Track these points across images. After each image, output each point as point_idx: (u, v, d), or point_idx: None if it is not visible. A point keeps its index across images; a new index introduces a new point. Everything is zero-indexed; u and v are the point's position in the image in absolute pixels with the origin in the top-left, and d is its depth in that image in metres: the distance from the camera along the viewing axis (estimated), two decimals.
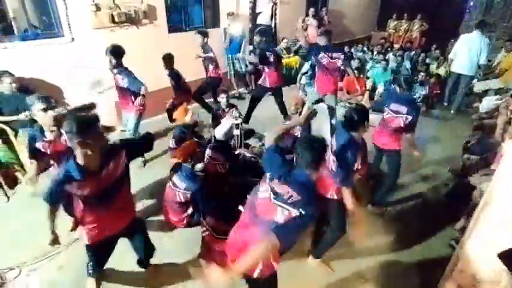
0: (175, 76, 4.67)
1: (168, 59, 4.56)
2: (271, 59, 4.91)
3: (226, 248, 1.96)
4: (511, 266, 1.28)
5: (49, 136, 2.52)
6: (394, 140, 3.27)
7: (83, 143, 1.68)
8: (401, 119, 3.11)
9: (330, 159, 2.39)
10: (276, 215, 1.71)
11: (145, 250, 2.49)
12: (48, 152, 2.52)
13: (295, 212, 1.66)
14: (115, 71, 3.80)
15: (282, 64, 6.38)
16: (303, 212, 1.64)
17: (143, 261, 2.57)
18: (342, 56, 4.58)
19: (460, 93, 6.12)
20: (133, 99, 3.83)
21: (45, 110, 2.27)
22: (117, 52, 3.72)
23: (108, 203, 1.96)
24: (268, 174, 1.85)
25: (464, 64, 5.83)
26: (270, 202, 1.76)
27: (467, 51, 5.72)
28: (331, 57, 4.53)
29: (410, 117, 3.07)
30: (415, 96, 6.25)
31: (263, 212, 1.78)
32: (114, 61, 3.73)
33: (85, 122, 1.69)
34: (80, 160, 1.76)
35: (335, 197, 2.44)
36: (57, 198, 1.92)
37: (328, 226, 2.62)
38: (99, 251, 2.22)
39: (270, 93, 5.27)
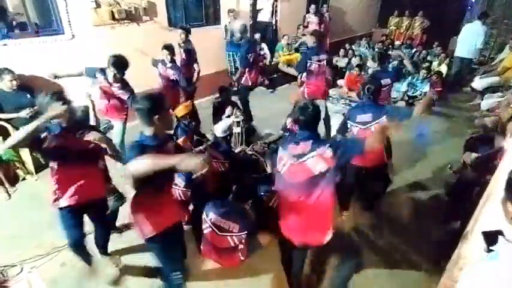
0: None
1: (172, 49, 4.36)
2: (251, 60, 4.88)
3: (292, 236, 2.05)
4: (490, 244, 1.34)
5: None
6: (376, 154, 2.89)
7: (159, 119, 1.78)
8: (372, 128, 2.78)
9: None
10: (314, 169, 1.85)
11: None
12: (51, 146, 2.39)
13: (325, 149, 1.83)
14: (116, 85, 3.41)
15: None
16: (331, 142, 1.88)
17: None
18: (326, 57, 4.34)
19: (463, 74, 7.09)
20: (121, 108, 3.65)
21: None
22: (121, 64, 3.27)
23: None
24: (280, 150, 2.02)
25: (465, 48, 6.73)
26: (299, 165, 1.89)
27: (468, 38, 6.60)
28: (319, 60, 4.28)
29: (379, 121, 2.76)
30: (415, 94, 6.26)
31: (299, 177, 1.90)
32: (118, 76, 3.32)
33: (160, 100, 1.83)
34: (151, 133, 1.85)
35: None
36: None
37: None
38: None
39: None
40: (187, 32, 4.97)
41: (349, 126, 2.96)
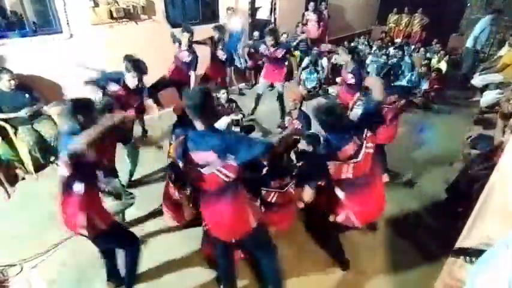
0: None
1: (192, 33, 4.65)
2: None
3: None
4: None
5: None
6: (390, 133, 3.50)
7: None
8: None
9: None
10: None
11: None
12: None
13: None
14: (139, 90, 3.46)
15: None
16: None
17: None
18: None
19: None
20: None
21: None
22: (143, 66, 3.34)
23: None
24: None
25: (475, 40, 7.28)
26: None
27: (478, 30, 7.20)
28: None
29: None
30: (415, 91, 6.25)
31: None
32: (142, 79, 3.42)
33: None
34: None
35: None
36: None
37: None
38: None
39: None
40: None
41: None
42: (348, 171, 2.19)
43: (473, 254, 1.42)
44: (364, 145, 2.16)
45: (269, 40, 4.60)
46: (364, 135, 2.17)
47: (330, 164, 2.16)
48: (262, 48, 4.78)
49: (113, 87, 3.34)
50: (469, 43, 7.45)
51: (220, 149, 1.73)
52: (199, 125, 1.82)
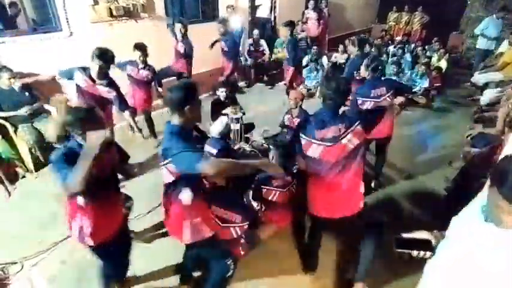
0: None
1: (145, 50, 4.10)
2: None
3: (327, 211, 2.21)
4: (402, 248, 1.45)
5: None
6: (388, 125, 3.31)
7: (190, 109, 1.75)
8: (387, 99, 3.15)
9: None
10: (347, 147, 2.01)
11: None
12: None
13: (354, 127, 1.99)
14: (99, 81, 3.18)
15: None
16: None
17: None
18: None
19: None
20: (107, 114, 3.22)
21: None
22: (108, 56, 3.10)
23: None
24: (303, 138, 2.10)
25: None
26: (335, 146, 2.01)
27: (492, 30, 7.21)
28: None
29: (392, 91, 3.16)
30: (415, 90, 6.25)
31: (336, 156, 2.03)
32: (104, 70, 3.14)
33: (193, 89, 1.78)
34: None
35: None
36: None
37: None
38: None
39: None
40: (186, 26, 4.96)
41: (360, 102, 3.18)
42: (316, 151, 2.07)
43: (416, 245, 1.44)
44: (346, 136, 2.01)
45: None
46: (352, 127, 2.01)
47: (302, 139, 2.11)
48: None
49: (78, 77, 3.16)
50: (481, 44, 7.36)
51: (163, 151, 1.73)
52: (175, 121, 1.76)
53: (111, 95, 3.25)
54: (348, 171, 2.08)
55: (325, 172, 2.09)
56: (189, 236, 1.91)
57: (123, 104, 3.43)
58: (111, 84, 3.27)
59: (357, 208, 2.17)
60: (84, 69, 3.19)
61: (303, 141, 2.11)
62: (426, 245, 1.40)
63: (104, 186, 1.87)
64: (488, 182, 1.11)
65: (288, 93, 4.58)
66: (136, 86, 4.22)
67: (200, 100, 1.84)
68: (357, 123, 2.01)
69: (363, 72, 3.33)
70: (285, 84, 5.83)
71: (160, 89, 4.48)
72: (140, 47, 3.98)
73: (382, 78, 3.41)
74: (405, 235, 1.49)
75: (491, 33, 7.13)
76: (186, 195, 1.83)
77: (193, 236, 1.91)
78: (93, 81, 3.19)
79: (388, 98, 3.15)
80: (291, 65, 5.38)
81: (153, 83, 4.33)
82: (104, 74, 3.18)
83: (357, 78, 3.87)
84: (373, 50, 6.60)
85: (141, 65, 4.09)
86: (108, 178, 1.92)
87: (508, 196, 1.01)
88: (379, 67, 3.21)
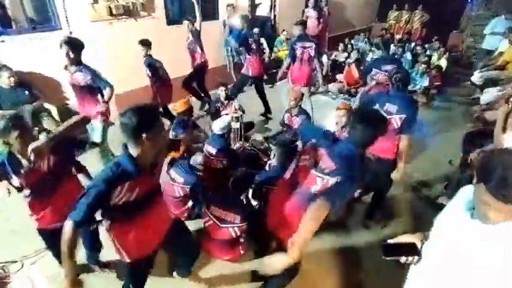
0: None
1: (149, 44, 4.48)
2: (253, 46, 5.00)
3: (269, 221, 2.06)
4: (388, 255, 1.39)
5: None
6: (388, 146, 2.79)
7: (148, 138, 1.54)
8: (393, 120, 2.70)
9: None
10: (315, 185, 1.81)
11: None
12: None
13: (332, 180, 1.73)
14: (73, 68, 3.20)
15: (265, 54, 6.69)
16: (340, 179, 1.70)
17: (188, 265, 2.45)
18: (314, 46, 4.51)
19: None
20: (96, 102, 3.30)
21: None
22: (76, 44, 3.13)
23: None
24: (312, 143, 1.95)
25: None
26: (310, 172, 1.85)
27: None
28: (304, 47, 4.50)
29: (404, 116, 2.68)
30: (415, 89, 6.25)
31: (303, 180, 1.88)
32: (72, 55, 3.11)
33: (152, 114, 1.60)
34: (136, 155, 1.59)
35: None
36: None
37: None
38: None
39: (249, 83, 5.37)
40: (191, 21, 5.11)
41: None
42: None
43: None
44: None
45: None
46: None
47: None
48: None
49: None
50: (488, 44, 7.25)
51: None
52: (132, 151, 1.59)
53: (87, 79, 3.17)
54: None
55: None
56: None
57: (102, 81, 3.24)
58: (86, 68, 3.21)
59: None
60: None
61: None
62: (412, 249, 1.35)
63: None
64: (474, 179, 1.08)
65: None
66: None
67: (163, 128, 1.65)
68: None
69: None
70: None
71: None
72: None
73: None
74: (390, 241, 1.42)
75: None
76: None
77: None
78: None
79: (394, 121, 2.71)
80: None
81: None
82: (76, 61, 3.16)
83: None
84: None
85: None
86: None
87: (495, 192, 0.98)
88: (402, 79, 2.76)
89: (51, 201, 2.12)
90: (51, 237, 2.22)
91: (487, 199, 1.01)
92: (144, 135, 1.51)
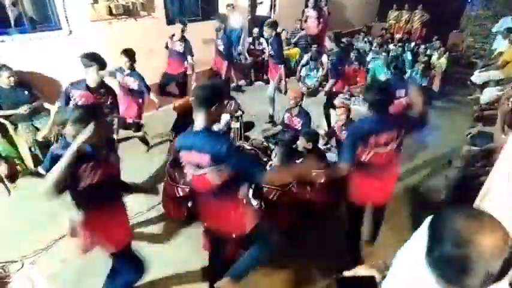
0: None
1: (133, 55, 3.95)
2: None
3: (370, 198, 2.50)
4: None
5: None
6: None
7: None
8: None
9: None
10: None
11: None
12: None
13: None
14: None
15: None
16: None
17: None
18: None
19: None
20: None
21: None
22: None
23: None
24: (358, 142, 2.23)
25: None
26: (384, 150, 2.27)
27: None
28: None
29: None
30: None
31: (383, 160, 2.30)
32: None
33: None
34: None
35: None
36: None
37: None
38: None
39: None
40: (185, 25, 4.89)
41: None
42: (368, 156, 2.24)
43: None
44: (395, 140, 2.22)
45: None
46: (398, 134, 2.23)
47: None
48: None
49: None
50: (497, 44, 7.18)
51: (217, 155, 1.67)
52: (199, 122, 1.75)
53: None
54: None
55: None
56: (250, 224, 1.96)
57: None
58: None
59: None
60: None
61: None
62: (371, 284, 1.20)
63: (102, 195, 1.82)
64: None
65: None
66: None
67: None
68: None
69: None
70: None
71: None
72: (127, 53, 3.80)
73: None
74: (347, 273, 1.28)
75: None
76: (242, 190, 1.92)
77: (252, 222, 1.97)
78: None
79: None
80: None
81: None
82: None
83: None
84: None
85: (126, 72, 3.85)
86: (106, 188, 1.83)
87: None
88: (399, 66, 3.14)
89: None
90: None
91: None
92: (213, 107, 1.75)
